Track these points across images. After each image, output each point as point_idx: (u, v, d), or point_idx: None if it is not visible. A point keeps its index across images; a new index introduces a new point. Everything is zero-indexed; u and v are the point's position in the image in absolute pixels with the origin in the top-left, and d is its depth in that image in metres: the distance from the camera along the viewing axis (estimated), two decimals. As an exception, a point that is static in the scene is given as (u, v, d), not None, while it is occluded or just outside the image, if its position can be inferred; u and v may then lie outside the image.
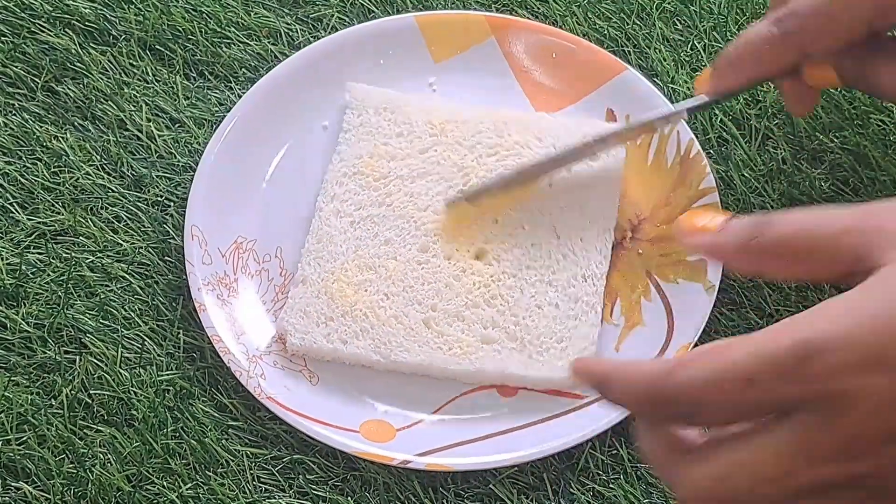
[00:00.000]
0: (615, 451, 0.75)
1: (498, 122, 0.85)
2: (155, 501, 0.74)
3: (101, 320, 0.80)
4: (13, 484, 0.74)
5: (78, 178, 0.85)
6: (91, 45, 0.90)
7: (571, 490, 0.74)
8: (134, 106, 0.88)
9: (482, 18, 0.89)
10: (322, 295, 0.79)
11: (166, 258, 0.82)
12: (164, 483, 0.74)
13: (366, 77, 0.88)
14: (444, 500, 0.74)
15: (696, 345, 0.77)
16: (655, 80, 0.87)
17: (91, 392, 0.77)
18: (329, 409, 0.77)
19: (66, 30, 0.91)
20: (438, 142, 0.84)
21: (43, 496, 0.74)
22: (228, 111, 0.86)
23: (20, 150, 0.86)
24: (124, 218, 0.84)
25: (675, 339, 0.78)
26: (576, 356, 0.77)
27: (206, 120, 0.87)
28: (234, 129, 0.85)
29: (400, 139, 0.85)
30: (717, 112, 0.86)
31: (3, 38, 0.90)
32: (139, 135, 0.87)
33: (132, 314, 0.80)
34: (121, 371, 0.78)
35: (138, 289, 0.81)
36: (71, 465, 0.74)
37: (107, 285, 0.81)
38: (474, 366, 0.77)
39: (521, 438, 0.75)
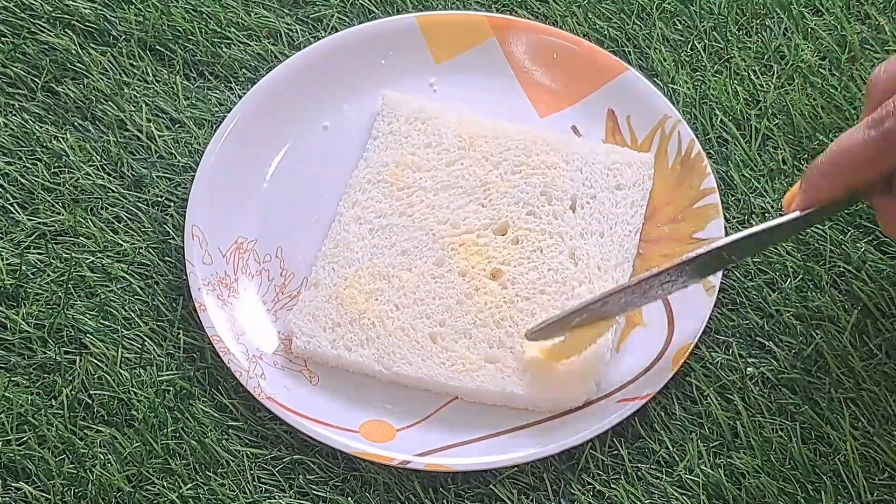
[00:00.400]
0: (615, 452, 0.75)
1: (528, 142, 0.84)
2: (155, 502, 0.74)
3: (101, 321, 0.80)
4: (13, 484, 0.74)
5: (78, 179, 0.85)
6: (91, 45, 0.90)
7: (572, 490, 0.74)
8: (134, 106, 0.88)
9: (483, 19, 0.90)
10: (332, 300, 0.79)
11: (166, 258, 0.82)
12: (165, 483, 0.74)
13: (367, 77, 0.88)
14: (445, 501, 0.74)
15: (696, 346, 0.78)
16: (655, 80, 0.88)
17: (91, 392, 0.77)
18: (329, 410, 0.77)
19: (67, 30, 0.91)
20: (466, 156, 0.84)
21: (43, 496, 0.74)
22: (228, 111, 0.87)
23: (20, 151, 0.86)
24: (124, 218, 0.84)
25: (675, 340, 0.78)
26: (580, 383, 0.77)
27: (206, 120, 0.88)
28: (234, 129, 0.85)
29: (428, 150, 0.85)
30: (717, 112, 0.86)
31: (3, 39, 0.90)
32: (139, 135, 0.87)
33: (132, 314, 0.80)
34: (121, 371, 0.78)
35: (138, 289, 0.81)
36: (71, 466, 0.75)
37: (107, 285, 0.81)
38: (475, 383, 0.77)
39: (520, 439, 0.75)
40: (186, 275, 0.80)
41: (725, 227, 0.81)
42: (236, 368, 0.77)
